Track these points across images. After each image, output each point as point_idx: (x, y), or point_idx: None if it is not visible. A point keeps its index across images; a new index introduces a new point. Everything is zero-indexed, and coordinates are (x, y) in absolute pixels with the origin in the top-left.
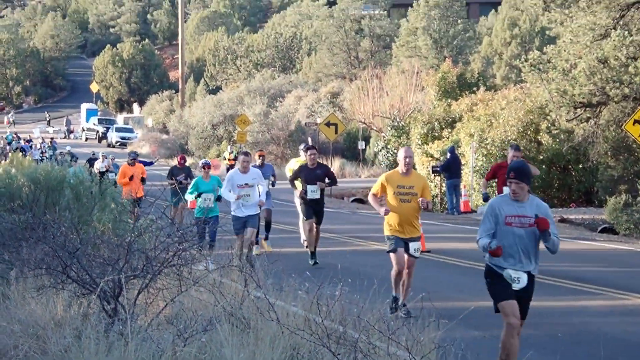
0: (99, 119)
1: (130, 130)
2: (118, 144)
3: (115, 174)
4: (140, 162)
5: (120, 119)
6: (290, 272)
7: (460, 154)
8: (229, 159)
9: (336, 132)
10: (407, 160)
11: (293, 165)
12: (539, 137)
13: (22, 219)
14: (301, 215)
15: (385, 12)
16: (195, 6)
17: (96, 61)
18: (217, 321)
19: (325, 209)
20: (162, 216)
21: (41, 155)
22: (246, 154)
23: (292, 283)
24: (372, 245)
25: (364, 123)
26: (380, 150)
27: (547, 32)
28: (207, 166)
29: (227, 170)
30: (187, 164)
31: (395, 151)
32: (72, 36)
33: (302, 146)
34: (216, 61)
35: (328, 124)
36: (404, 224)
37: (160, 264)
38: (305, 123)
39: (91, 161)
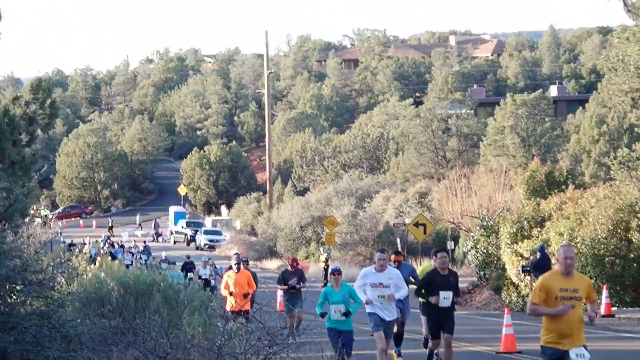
0: (187, 222)
1: (219, 233)
2: (206, 246)
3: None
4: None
5: (208, 221)
6: None
7: (550, 253)
8: (324, 262)
9: (425, 233)
10: (569, 261)
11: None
12: (629, 235)
13: (112, 323)
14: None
15: (472, 111)
16: (281, 107)
17: (183, 164)
18: None
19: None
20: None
21: (133, 260)
22: (382, 251)
23: None
24: (474, 347)
25: (453, 223)
26: (470, 250)
27: (636, 129)
28: (337, 272)
29: (324, 273)
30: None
31: (485, 251)
32: (159, 139)
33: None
34: (303, 162)
35: (417, 225)
36: (566, 334)
37: None
38: (394, 224)
39: (186, 266)
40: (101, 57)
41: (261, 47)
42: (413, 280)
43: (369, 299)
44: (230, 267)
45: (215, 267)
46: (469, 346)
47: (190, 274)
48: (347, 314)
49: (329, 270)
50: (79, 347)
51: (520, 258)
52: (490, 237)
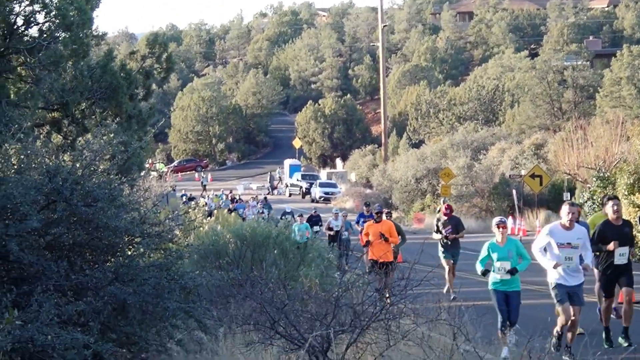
0: (302, 175)
1: (334, 186)
2: (322, 199)
3: (351, 232)
4: (370, 217)
5: (323, 174)
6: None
7: None
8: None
9: (541, 184)
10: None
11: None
12: None
13: (230, 275)
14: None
15: (588, 62)
16: (396, 60)
17: (298, 117)
18: None
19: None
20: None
21: (255, 214)
22: (572, 203)
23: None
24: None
25: (569, 174)
26: (586, 202)
27: None
28: (502, 225)
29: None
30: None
31: (601, 202)
32: (274, 92)
33: (566, 198)
34: (418, 115)
35: (533, 176)
36: None
37: (368, 318)
38: (510, 175)
39: (312, 219)
40: (215, 11)
41: (375, 1)
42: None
43: (557, 262)
44: (372, 216)
45: (347, 219)
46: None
47: (316, 227)
48: (512, 271)
49: (494, 222)
50: (197, 299)
51: (637, 209)
52: (607, 189)
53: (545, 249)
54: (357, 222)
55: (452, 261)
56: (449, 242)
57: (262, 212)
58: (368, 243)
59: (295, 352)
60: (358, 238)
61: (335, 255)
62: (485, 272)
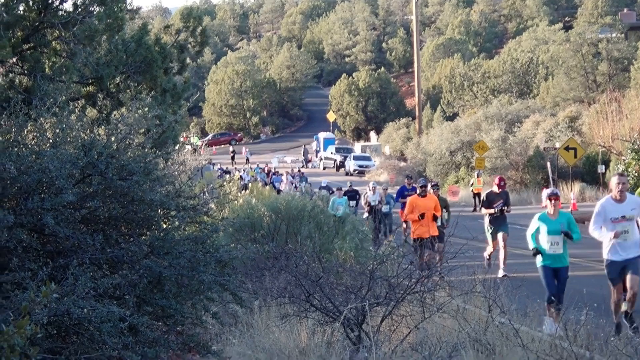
0: (336, 148)
1: (368, 159)
2: (356, 172)
3: (391, 206)
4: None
5: (357, 147)
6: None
7: None
8: (475, 189)
9: (575, 156)
10: None
11: None
12: None
13: (265, 248)
14: None
15: (623, 34)
16: (430, 33)
17: (332, 90)
18: (462, 347)
19: None
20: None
21: (291, 188)
22: (621, 174)
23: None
24: None
25: (603, 147)
26: None
27: None
28: (554, 197)
29: (475, 197)
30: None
31: (636, 174)
32: (308, 66)
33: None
34: (452, 88)
35: (567, 148)
36: None
37: (403, 291)
38: (544, 148)
39: (348, 193)
40: None
41: None
42: None
43: (617, 231)
44: (414, 189)
45: (387, 192)
46: None
47: (352, 202)
48: (567, 234)
49: (546, 194)
50: (232, 272)
51: None
52: None
53: (601, 227)
54: (399, 196)
55: (500, 235)
56: (499, 216)
57: (297, 187)
58: (417, 218)
59: (330, 324)
60: (398, 212)
61: (370, 229)
62: (537, 253)
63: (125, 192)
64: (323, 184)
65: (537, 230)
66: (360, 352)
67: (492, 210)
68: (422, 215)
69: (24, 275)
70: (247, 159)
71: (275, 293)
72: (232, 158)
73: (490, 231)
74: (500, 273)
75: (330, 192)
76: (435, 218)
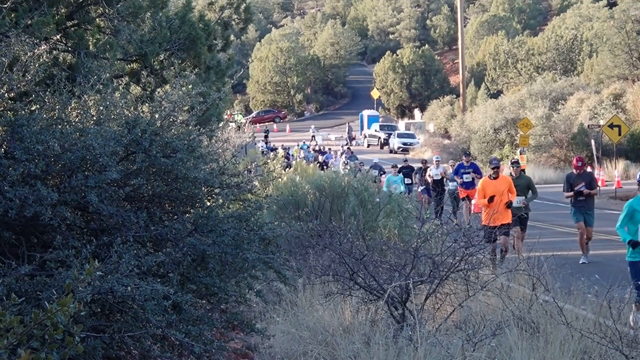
0: (380, 126)
1: (412, 136)
2: (400, 149)
3: (455, 184)
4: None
5: (401, 124)
6: (579, 276)
7: None
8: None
9: (620, 134)
10: None
11: None
12: None
13: (309, 226)
14: None
15: None
16: (474, 10)
17: (376, 68)
18: (506, 325)
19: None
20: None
21: (344, 166)
22: None
23: (580, 286)
24: None
25: None
26: None
27: None
28: None
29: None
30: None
31: None
32: (352, 43)
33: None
34: (496, 65)
35: (611, 126)
36: None
37: (447, 269)
38: (589, 125)
39: (403, 170)
40: None
41: None
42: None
43: None
44: (473, 166)
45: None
46: None
47: (407, 179)
48: None
49: None
50: (276, 250)
51: None
52: None
53: None
54: (456, 174)
55: (583, 223)
56: (583, 199)
57: (348, 163)
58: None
59: (374, 302)
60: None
61: (415, 207)
62: (636, 244)
63: (169, 170)
64: (375, 161)
65: (628, 218)
66: (404, 330)
67: (571, 194)
68: (491, 199)
69: (68, 253)
70: (313, 137)
71: (319, 271)
72: (266, 137)
73: (574, 218)
74: (582, 259)
75: (381, 172)
76: (509, 204)
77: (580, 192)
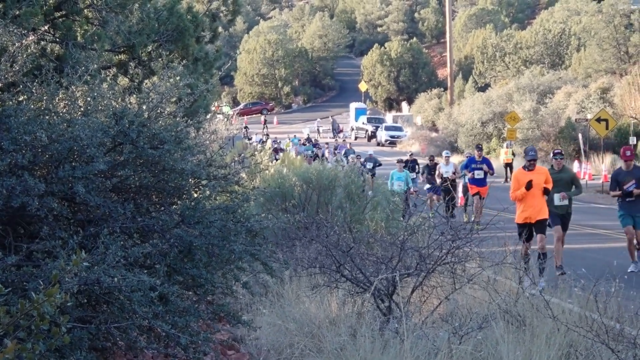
0: (368, 118)
1: (400, 129)
2: (387, 142)
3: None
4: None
5: (389, 117)
6: (566, 269)
7: None
8: (505, 160)
9: (607, 128)
10: None
11: None
12: None
13: (296, 218)
14: None
15: None
16: (462, 4)
17: (364, 60)
18: (492, 318)
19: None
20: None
21: (334, 159)
22: None
23: (567, 280)
24: None
25: (635, 118)
26: None
27: None
28: None
29: (506, 168)
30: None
31: None
32: (340, 36)
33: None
34: (484, 58)
35: (599, 120)
36: None
37: (433, 262)
38: (576, 119)
39: (407, 164)
40: None
41: None
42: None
43: None
44: (485, 161)
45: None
46: None
47: (412, 174)
48: None
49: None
50: (263, 242)
51: None
52: None
53: None
54: (466, 167)
55: (632, 227)
56: (633, 199)
57: (346, 155)
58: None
59: (360, 295)
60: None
61: (434, 203)
62: None
63: (156, 161)
64: (368, 155)
65: None
66: (390, 323)
67: (618, 193)
68: (529, 185)
69: (55, 244)
70: (318, 130)
71: (305, 263)
72: (318, 129)
73: (622, 222)
74: (631, 267)
75: (377, 164)
76: (546, 191)
77: (630, 192)
